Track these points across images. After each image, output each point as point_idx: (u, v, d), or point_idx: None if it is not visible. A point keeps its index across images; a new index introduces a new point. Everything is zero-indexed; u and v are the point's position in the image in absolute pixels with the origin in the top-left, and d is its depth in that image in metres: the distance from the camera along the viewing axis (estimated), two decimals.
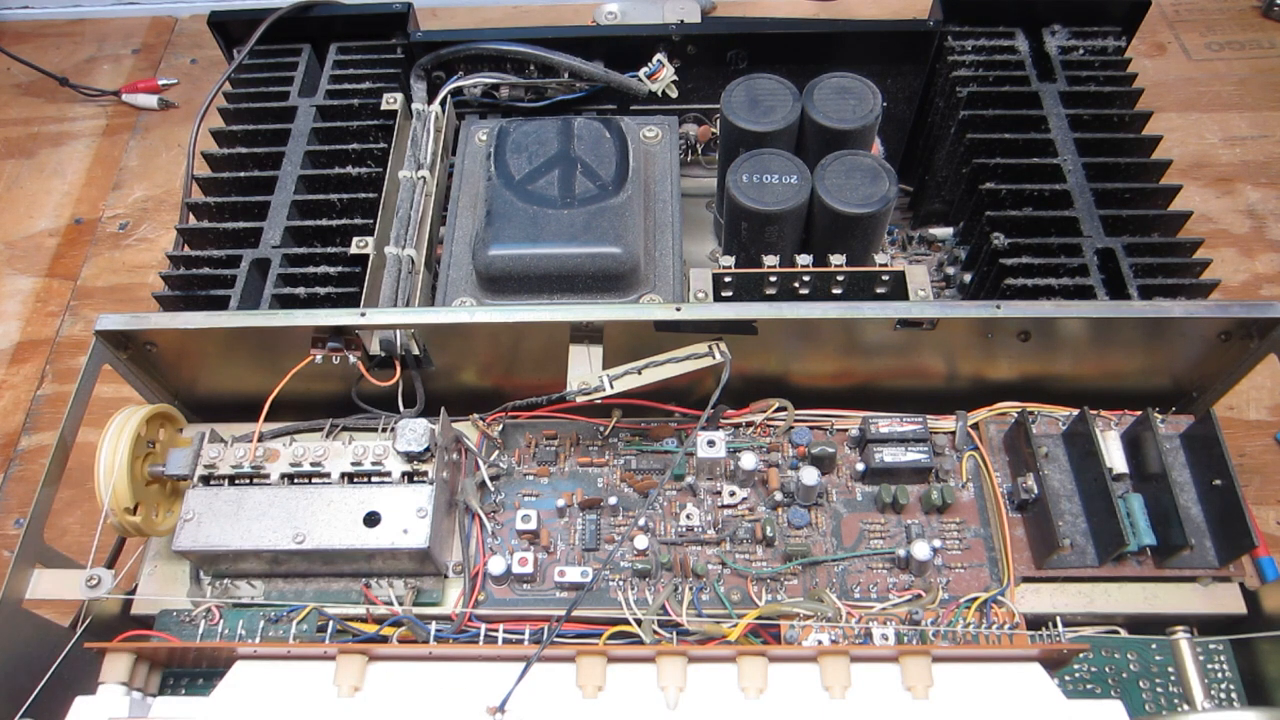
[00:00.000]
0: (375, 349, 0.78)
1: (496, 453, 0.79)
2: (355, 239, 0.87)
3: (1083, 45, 0.98)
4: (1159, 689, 0.70)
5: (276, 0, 1.01)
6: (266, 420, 0.75)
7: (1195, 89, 1.46)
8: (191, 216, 0.92)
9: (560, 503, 0.76)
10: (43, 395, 1.23)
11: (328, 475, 0.73)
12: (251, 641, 0.71)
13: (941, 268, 0.99)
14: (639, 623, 0.70)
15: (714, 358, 0.73)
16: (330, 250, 0.87)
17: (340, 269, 0.85)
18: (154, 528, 0.74)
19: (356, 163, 0.94)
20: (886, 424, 0.76)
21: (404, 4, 1.02)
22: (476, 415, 0.80)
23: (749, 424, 0.80)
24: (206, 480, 0.73)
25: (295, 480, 0.73)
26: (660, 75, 1.02)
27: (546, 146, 0.91)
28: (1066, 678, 0.70)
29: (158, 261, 1.34)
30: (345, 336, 0.76)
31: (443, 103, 1.00)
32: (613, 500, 0.76)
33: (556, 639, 0.69)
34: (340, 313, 0.75)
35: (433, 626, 0.70)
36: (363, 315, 0.74)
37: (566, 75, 1.01)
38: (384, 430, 0.79)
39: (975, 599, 0.71)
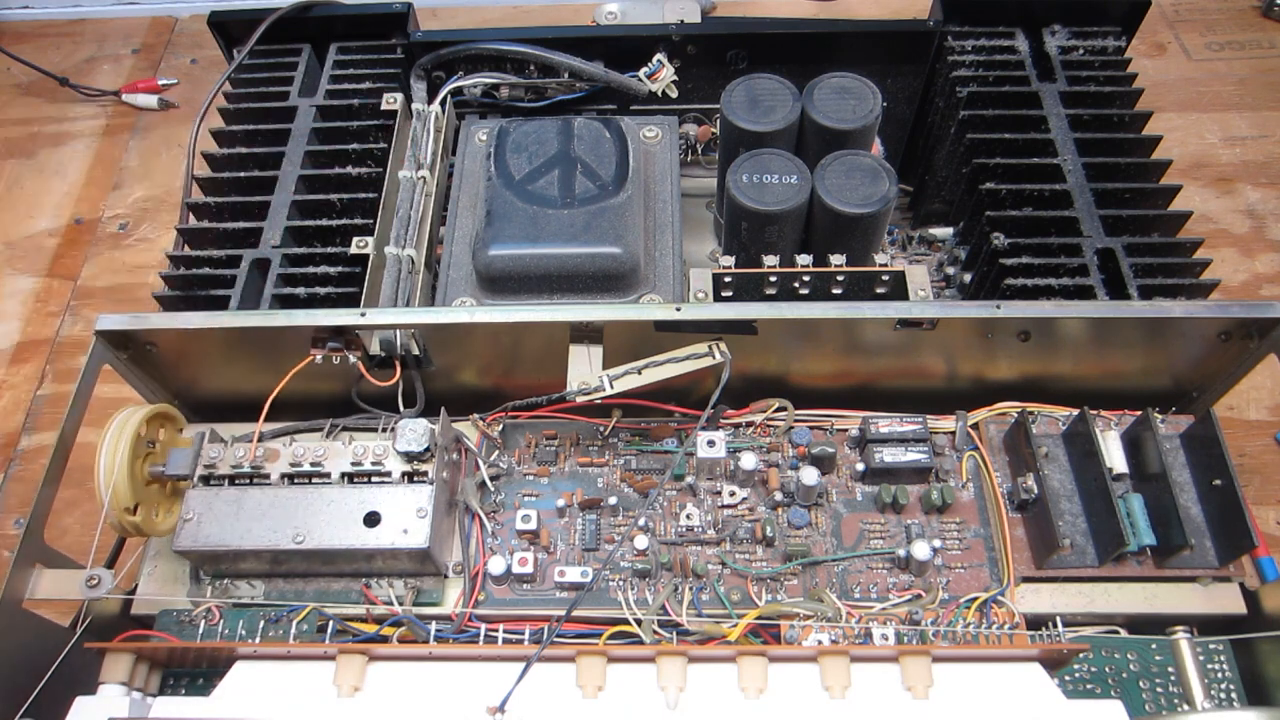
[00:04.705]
0: (375, 349, 0.78)
1: (496, 453, 0.79)
2: (355, 239, 0.87)
3: (1083, 45, 0.98)
4: (1159, 689, 0.70)
5: (276, 0, 1.01)
6: (266, 420, 0.75)
7: (1195, 89, 1.46)
8: (191, 216, 0.92)
9: (560, 503, 0.76)
10: (43, 395, 1.23)
11: (328, 475, 0.73)
12: (251, 641, 0.71)
13: (941, 268, 0.99)
14: (639, 623, 0.70)
15: (714, 358, 0.73)
16: (330, 250, 0.87)
17: (340, 269, 0.85)
18: (154, 528, 0.74)
19: (356, 163, 0.94)
20: (886, 424, 0.76)
21: (404, 4, 1.02)
22: (476, 415, 0.80)
23: (749, 424, 0.80)
24: (206, 480, 0.73)
25: (295, 480, 0.73)
26: (660, 75, 1.02)
27: (546, 146, 0.91)
28: (1066, 678, 0.70)
29: (158, 261, 1.34)
30: (345, 336, 0.76)
31: (443, 103, 1.00)
32: (613, 500, 0.76)
33: (556, 639, 0.69)
34: (340, 313, 0.75)
35: (433, 626, 0.70)
36: (363, 315, 0.74)
37: (566, 75, 1.01)
38: (384, 430, 0.79)
39: (975, 599, 0.71)
